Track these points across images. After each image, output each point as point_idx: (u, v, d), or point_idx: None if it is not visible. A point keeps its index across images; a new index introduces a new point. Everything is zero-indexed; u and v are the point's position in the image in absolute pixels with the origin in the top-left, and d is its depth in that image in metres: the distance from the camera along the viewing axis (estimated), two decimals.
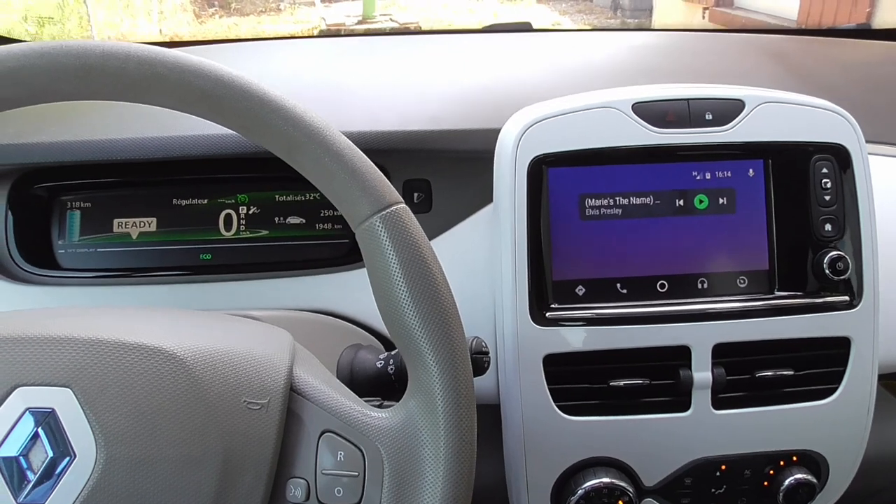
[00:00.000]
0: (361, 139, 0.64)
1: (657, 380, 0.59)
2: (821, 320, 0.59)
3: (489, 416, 0.61)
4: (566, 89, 0.64)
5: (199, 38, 1.06)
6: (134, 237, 0.68)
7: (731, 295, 0.60)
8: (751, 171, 0.61)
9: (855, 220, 0.59)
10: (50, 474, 0.34)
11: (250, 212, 0.69)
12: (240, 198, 0.69)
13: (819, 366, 0.60)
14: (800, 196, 0.60)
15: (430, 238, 0.65)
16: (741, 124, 0.59)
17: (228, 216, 0.68)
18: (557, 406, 0.58)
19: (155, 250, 0.68)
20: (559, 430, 0.59)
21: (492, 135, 0.61)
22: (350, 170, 0.39)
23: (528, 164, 0.57)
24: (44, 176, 0.67)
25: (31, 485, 0.34)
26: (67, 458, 0.34)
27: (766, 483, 0.62)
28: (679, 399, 0.59)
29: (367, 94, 0.73)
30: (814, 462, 0.62)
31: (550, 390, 0.58)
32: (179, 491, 0.35)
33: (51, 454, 0.34)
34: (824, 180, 0.59)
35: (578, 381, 0.59)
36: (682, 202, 0.61)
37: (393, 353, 0.54)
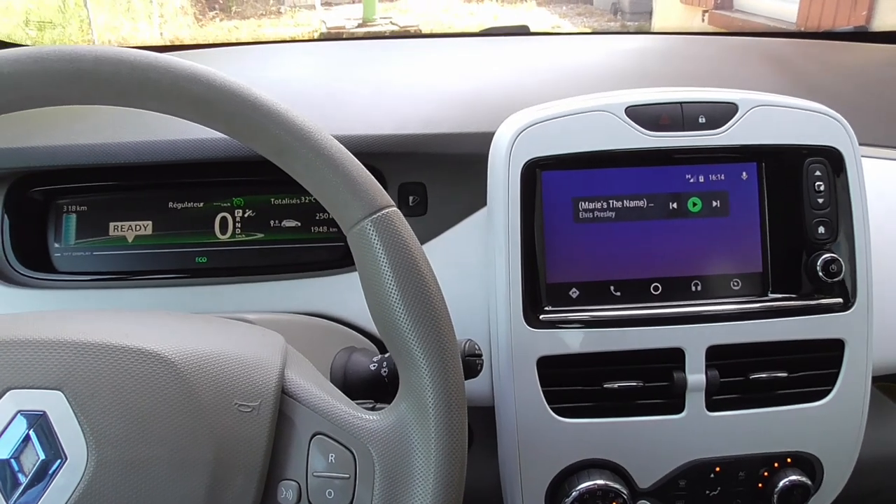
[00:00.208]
0: (357, 143, 0.64)
1: (651, 382, 0.59)
2: (814, 322, 0.59)
3: (483, 418, 0.62)
4: (562, 93, 0.64)
5: (200, 42, 1.07)
6: (130, 240, 0.68)
7: (725, 297, 0.60)
8: (744, 174, 0.61)
9: (848, 222, 0.60)
10: (41, 477, 0.34)
11: (246, 215, 0.69)
12: (235, 201, 0.69)
13: (813, 368, 0.60)
14: (793, 199, 0.60)
15: (426, 241, 0.65)
16: (734, 127, 0.59)
17: (224, 219, 0.69)
18: (551, 408, 0.59)
19: (151, 253, 0.68)
20: (553, 433, 0.59)
21: (486, 138, 0.62)
22: (341, 173, 0.39)
23: (521, 167, 0.58)
24: (40, 180, 0.67)
25: (22, 487, 0.34)
26: (59, 461, 0.34)
27: (760, 485, 0.62)
28: (673, 401, 0.59)
29: (363, 97, 0.73)
30: (808, 464, 0.62)
31: (544, 392, 0.58)
32: (170, 493, 0.35)
33: (42, 457, 0.34)
34: (817, 183, 0.59)
35: (572, 384, 0.59)
36: (675, 205, 0.61)
37: (386, 355, 0.54)
